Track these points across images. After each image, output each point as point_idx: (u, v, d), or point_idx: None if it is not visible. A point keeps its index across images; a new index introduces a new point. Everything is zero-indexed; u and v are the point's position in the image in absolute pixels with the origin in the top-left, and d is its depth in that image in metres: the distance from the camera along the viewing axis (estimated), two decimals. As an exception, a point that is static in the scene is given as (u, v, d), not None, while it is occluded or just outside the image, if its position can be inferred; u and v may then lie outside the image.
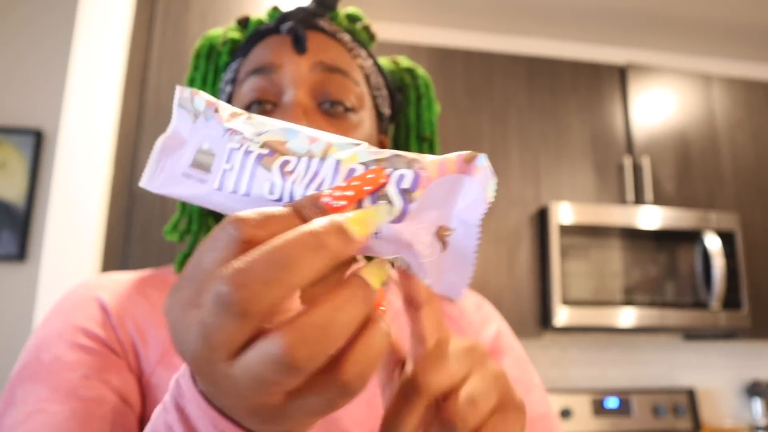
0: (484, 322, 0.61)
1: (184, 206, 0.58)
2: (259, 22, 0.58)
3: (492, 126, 2.04)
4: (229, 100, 0.57)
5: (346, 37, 0.56)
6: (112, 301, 0.50)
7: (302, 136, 0.29)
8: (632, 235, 1.95)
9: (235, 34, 0.60)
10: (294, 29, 0.54)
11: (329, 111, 0.52)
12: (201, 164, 0.30)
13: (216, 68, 0.60)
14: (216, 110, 0.31)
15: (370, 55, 0.59)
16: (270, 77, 0.53)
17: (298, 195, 0.27)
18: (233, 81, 0.57)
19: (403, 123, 0.63)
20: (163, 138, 0.32)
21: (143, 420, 0.47)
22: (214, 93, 0.59)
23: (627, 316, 1.89)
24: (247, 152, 0.29)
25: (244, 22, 0.59)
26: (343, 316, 0.23)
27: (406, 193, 0.26)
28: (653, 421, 2.11)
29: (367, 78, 0.57)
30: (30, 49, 1.95)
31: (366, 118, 0.55)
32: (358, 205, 0.26)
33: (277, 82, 0.52)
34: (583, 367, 2.26)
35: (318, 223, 0.23)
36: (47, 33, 1.96)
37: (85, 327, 0.48)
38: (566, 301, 1.87)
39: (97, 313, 0.49)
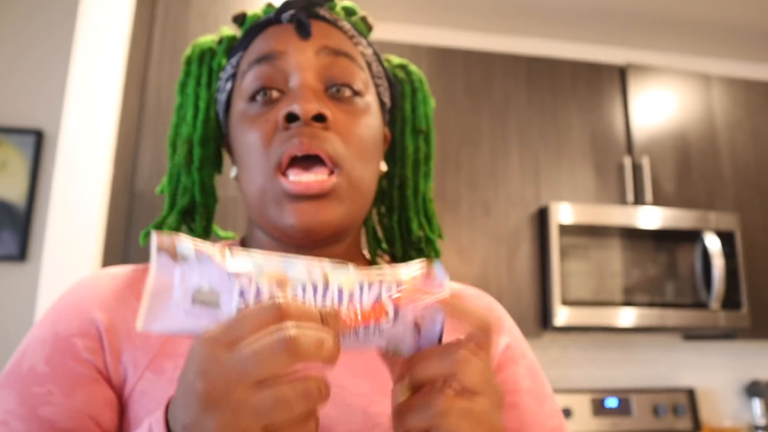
0: (495, 327, 0.61)
1: (171, 208, 0.58)
2: (256, 17, 0.58)
3: (492, 126, 2.04)
4: (230, 97, 0.57)
5: (347, 25, 0.57)
6: (104, 313, 0.49)
7: (298, 265, 0.35)
8: (632, 235, 1.96)
9: (231, 32, 0.59)
10: (296, 16, 0.54)
11: (336, 95, 0.52)
12: (204, 302, 0.34)
13: (209, 70, 0.59)
14: (209, 256, 0.35)
15: (370, 45, 0.59)
16: (275, 64, 0.52)
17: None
18: (234, 76, 0.56)
19: (399, 116, 0.63)
20: (151, 284, 0.34)
21: (122, 429, 0.47)
22: (209, 94, 0.59)
23: (627, 316, 1.89)
24: (260, 290, 0.34)
25: (240, 19, 0.59)
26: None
27: (396, 301, 0.35)
28: (653, 421, 2.11)
29: (368, 65, 0.57)
30: (30, 49, 1.95)
31: (372, 103, 0.55)
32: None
33: (282, 69, 0.52)
34: (583, 367, 2.26)
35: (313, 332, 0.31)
36: (47, 33, 1.96)
37: (68, 339, 0.47)
38: (566, 301, 1.87)
39: (85, 326, 0.48)
